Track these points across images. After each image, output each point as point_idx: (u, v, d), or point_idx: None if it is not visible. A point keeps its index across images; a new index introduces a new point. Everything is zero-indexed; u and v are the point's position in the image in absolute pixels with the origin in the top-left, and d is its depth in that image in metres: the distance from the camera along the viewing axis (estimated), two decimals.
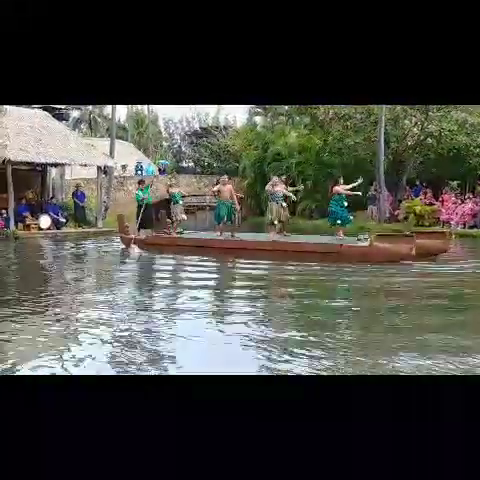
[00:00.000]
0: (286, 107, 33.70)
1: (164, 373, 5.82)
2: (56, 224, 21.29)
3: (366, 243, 13.02)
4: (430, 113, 23.73)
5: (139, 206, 16.57)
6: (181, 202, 16.26)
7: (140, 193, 16.72)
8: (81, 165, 22.27)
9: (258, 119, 41.15)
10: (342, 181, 14.96)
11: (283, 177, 15.80)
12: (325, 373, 5.29)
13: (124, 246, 15.91)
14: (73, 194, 22.74)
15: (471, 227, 21.14)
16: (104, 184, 25.10)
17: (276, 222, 14.36)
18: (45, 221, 20.90)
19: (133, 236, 15.80)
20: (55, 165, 22.63)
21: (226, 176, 16.02)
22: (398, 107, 24.18)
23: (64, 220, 21.86)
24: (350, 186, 14.86)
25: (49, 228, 20.85)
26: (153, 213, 17.30)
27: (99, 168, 22.86)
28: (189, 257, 13.68)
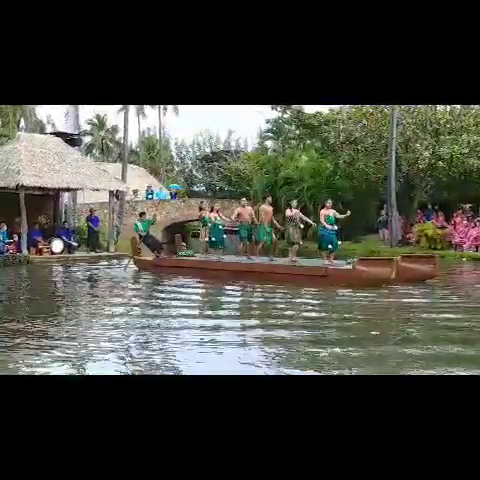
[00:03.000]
0: (297, 131, 33.88)
1: (163, 373, 5.81)
2: (68, 248, 21.38)
3: (349, 266, 12.82)
4: (441, 136, 23.75)
5: (139, 236, 16.94)
6: (220, 226, 16.36)
7: (139, 225, 17.02)
8: (93, 190, 22.40)
9: (269, 143, 41.38)
10: (330, 204, 14.35)
11: (294, 202, 15.71)
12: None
13: (138, 269, 16.20)
14: (87, 218, 22.87)
15: None
16: (116, 208, 25.24)
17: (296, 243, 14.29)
18: (58, 245, 21.00)
19: (148, 259, 16.17)
20: (68, 190, 22.80)
21: (245, 199, 16.45)
22: (409, 131, 24.24)
23: (76, 244, 21.97)
24: (339, 216, 14.26)
25: (62, 252, 20.94)
26: (156, 239, 17.53)
27: (111, 193, 23.00)
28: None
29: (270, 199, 15.74)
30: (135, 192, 32.78)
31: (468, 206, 23.29)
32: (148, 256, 16.53)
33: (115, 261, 20.39)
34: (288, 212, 14.66)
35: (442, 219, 23.70)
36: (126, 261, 16.95)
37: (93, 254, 21.70)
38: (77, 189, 22.61)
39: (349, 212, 14.09)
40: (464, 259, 19.89)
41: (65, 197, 24.16)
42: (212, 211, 16.21)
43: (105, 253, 22.13)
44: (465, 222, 22.36)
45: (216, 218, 15.83)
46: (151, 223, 17.49)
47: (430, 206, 25.57)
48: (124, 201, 27.73)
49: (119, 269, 17.02)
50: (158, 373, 6.04)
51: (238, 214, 15.48)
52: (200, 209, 16.99)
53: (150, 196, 33.91)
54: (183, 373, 5.86)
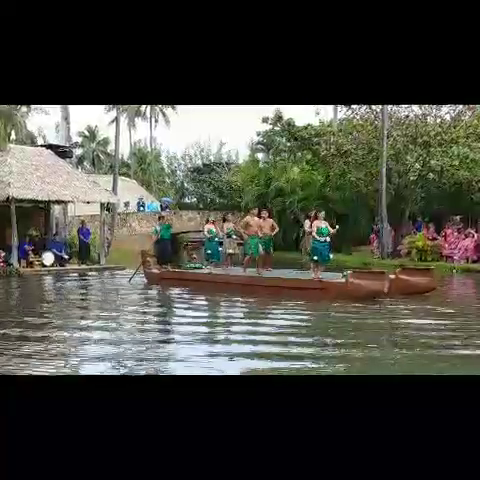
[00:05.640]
0: (288, 143, 34.00)
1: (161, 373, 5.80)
2: (59, 261, 21.30)
3: (343, 279, 12.61)
4: (431, 148, 23.90)
5: (157, 240, 16.91)
6: (234, 237, 16.34)
7: (158, 228, 17.16)
8: (84, 202, 22.37)
9: (260, 155, 41.50)
10: (322, 215, 13.64)
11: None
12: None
13: (148, 282, 16.08)
14: (78, 231, 22.81)
15: (474, 261, 21.07)
16: (107, 221, 25.21)
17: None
18: (49, 258, 20.92)
19: (157, 271, 16.01)
20: (58, 202, 22.75)
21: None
22: (399, 143, 24.39)
23: (67, 257, 21.88)
24: (331, 230, 13.61)
25: (53, 265, 20.86)
26: (169, 247, 17.38)
27: (102, 205, 22.97)
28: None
29: (255, 211, 15.33)
30: (126, 204, 32.76)
31: (458, 218, 23.41)
32: (155, 269, 16.31)
33: (106, 273, 20.40)
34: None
35: (432, 231, 23.79)
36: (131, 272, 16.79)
37: (84, 267, 21.63)
38: (68, 201, 22.57)
39: (336, 228, 13.68)
40: (455, 271, 19.95)
41: (56, 209, 24.10)
42: (208, 222, 16.17)
43: (96, 266, 22.05)
44: (456, 234, 22.45)
45: (210, 230, 15.81)
46: (169, 227, 17.45)
47: (421, 218, 25.70)
48: (115, 213, 27.69)
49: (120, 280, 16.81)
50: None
51: (246, 224, 14.87)
52: (207, 221, 16.74)
53: (141, 208, 33.90)
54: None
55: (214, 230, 15.86)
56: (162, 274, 15.81)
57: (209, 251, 15.59)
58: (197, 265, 16.21)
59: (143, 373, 6.18)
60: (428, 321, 9.89)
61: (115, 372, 6.26)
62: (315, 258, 13.34)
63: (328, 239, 13.37)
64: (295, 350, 7.52)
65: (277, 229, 15.42)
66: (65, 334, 8.79)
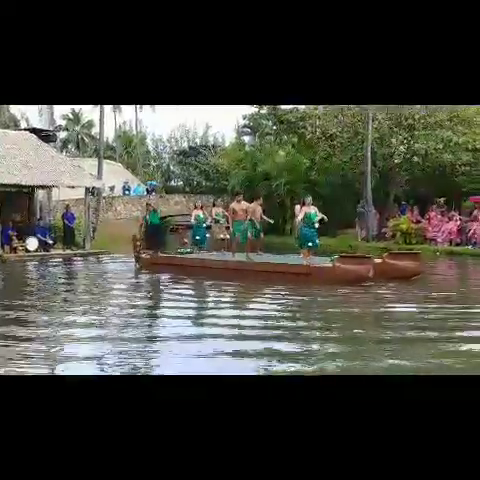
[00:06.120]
0: (274, 127, 33.93)
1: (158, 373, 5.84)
2: (44, 246, 21.19)
3: (329, 264, 12.69)
4: (416, 132, 23.97)
5: (147, 227, 16.83)
6: (221, 221, 16.26)
7: (147, 216, 17.03)
8: (69, 187, 22.23)
9: (246, 138, 41.37)
10: (310, 201, 13.73)
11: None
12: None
13: (139, 266, 16.05)
14: (63, 216, 22.67)
15: (457, 244, 21.25)
16: (92, 205, 25.08)
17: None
18: (32, 243, 20.80)
19: (148, 257, 15.97)
20: (42, 187, 22.59)
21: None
22: (384, 126, 24.44)
23: (52, 242, 21.76)
24: (320, 215, 13.76)
25: (37, 250, 20.75)
26: (159, 232, 17.34)
27: (87, 189, 22.85)
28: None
29: (241, 197, 15.32)
30: (112, 188, 32.60)
31: (442, 200, 23.56)
32: (146, 254, 16.24)
33: (92, 258, 20.36)
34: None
35: (417, 214, 23.91)
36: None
37: (69, 252, 21.55)
38: (52, 186, 22.42)
39: (324, 218, 13.76)
40: (438, 253, 20.11)
41: (40, 194, 23.92)
42: (196, 208, 16.14)
43: (81, 251, 21.97)
44: (439, 217, 22.60)
45: (198, 216, 15.80)
46: (156, 212, 17.33)
47: (405, 201, 25.82)
48: (100, 197, 27.56)
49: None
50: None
51: (233, 210, 14.97)
52: (195, 207, 16.61)
53: (127, 192, 33.76)
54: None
55: (202, 216, 15.85)
56: (153, 259, 15.82)
57: (197, 237, 15.65)
58: (188, 250, 16.23)
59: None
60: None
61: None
62: (306, 244, 13.50)
63: (317, 225, 13.49)
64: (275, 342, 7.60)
65: (260, 211, 15.27)
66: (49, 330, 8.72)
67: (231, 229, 15.01)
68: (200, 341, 7.52)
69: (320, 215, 13.64)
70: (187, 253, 15.91)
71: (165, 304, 11.17)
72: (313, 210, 13.57)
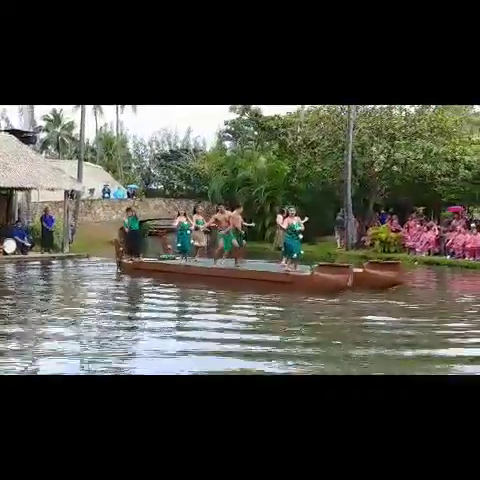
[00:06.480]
0: (255, 132, 34.01)
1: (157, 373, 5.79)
2: (21, 249, 20.94)
3: (309, 273, 12.77)
4: (396, 141, 24.18)
5: (126, 233, 16.68)
6: (201, 227, 16.07)
7: (126, 221, 16.85)
8: (48, 189, 22.02)
9: (228, 143, 41.42)
10: (293, 211, 13.86)
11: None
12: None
13: (120, 271, 15.91)
14: (41, 218, 22.44)
15: (435, 254, 21.43)
16: (71, 208, 24.88)
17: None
18: (10, 245, 20.53)
19: (130, 262, 15.83)
20: (21, 189, 22.35)
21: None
22: (365, 135, 24.61)
23: (29, 244, 21.50)
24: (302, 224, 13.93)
25: (14, 253, 20.49)
26: (139, 238, 17.25)
27: (66, 192, 22.66)
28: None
29: (223, 208, 15.58)
30: (92, 191, 32.38)
31: (421, 209, 23.77)
32: (128, 259, 16.11)
33: (70, 262, 20.19)
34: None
35: (396, 223, 24.10)
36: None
37: (47, 255, 21.33)
38: (31, 188, 22.20)
39: (306, 219, 13.97)
40: (416, 263, 20.26)
41: (19, 196, 23.66)
42: (180, 215, 16.09)
43: (59, 254, 21.76)
44: (418, 226, 22.80)
45: (182, 224, 15.76)
46: (135, 218, 17.02)
47: (385, 209, 26.02)
48: (79, 200, 27.35)
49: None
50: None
51: (215, 220, 15.18)
52: (178, 214, 16.47)
53: (107, 195, 33.56)
54: None
55: (186, 223, 15.84)
56: (135, 265, 15.75)
57: (179, 244, 15.60)
58: (171, 256, 16.17)
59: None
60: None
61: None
62: (291, 254, 13.61)
63: (301, 236, 13.69)
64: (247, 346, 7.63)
65: (240, 220, 15.42)
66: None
67: (208, 237, 15.12)
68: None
69: (302, 224, 13.78)
70: (169, 259, 15.87)
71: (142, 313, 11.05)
72: (296, 221, 13.73)
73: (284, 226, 13.81)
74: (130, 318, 9.81)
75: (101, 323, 9.07)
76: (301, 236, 13.70)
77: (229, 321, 9.43)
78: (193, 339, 7.96)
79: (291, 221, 13.68)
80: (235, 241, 14.53)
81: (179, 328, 9.07)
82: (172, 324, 9.42)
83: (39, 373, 6.24)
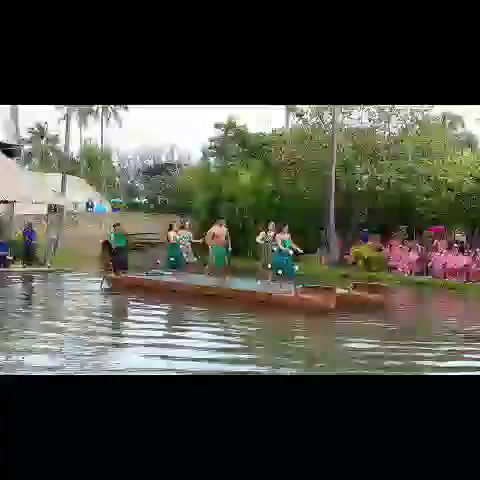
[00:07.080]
0: (240, 150, 34.15)
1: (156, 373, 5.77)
2: (2, 262, 20.77)
3: (292, 293, 12.68)
4: (379, 161, 24.42)
5: (112, 249, 16.66)
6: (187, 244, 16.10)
7: (112, 236, 16.83)
8: (31, 203, 21.89)
9: (212, 159, 41.52)
10: (286, 228, 14.04)
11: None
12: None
13: (107, 287, 15.58)
14: (24, 231, 22.28)
15: (417, 274, 21.60)
16: (54, 221, 24.76)
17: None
18: None
19: (118, 277, 15.66)
20: (4, 202, 22.22)
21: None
22: (348, 155, 24.85)
23: (11, 258, 21.33)
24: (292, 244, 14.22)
25: None
26: (126, 255, 17.18)
27: (49, 206, 22.56)
28: None
29: (223, 221, 15.77)
30: (75, 205, 32.28)
31: (404, 228, 23.98)
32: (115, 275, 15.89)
33: (51, 276, 20.00)
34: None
35: (378, 241, 24.27)
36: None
37: (28, 269, 21.15)
38: (14, 201, 22.07)
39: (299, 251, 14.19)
40: (398, 282, 20.37)
41: (0, 208, 23.52)
42: (171, 230, 16.05)
43: (41, 268, 21.59)
44: (400, 245, 22.97)
45: (175, 237, 15.76)
46: (121, 235, 16.94)
47: (367, 228, 26.20)
48: (63, 214, 27.22)
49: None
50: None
51: (214, 235, 15.23)
52: (170, 228, 16.27)
53: (90, 209, 33.47)
54: None
55: (178, 237, 15.83)
56: (123, 280, 15.66)
57: (172, 258, 15.57)
58: (159, 272, 16.07)
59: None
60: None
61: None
62: (276, 270, 13.67)
63: (291, 252, 13.77)
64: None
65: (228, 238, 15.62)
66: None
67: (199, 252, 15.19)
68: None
69: (294, 246, 13.92)
70: (157, 275, 15.75)
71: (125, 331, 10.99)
72: (287, 237, 13.87)
73: (276, 242, 13.89)
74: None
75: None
76: (291, 252, 13.77)
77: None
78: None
79: (282, 237, 13.80)
80: (226, 258, 14.69)
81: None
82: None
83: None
